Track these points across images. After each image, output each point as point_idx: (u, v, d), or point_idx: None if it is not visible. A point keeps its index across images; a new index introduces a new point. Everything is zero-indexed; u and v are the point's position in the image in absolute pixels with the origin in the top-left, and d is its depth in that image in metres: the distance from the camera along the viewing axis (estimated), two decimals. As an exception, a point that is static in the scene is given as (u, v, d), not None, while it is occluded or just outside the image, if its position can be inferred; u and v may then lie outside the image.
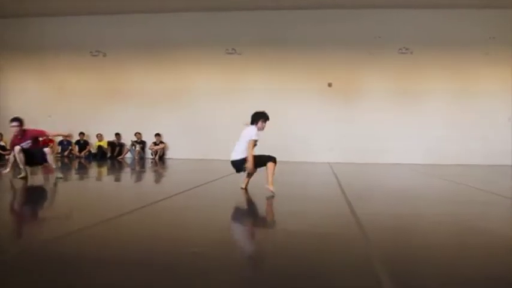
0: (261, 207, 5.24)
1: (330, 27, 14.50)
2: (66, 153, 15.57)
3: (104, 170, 11.12)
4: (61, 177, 7.86)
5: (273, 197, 5.61)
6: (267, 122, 6.47)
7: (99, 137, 15.60)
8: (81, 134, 15.67)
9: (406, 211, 5.06)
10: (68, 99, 15.93)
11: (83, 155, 15.50)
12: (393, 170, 11.77)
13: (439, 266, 2.79)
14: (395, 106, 14.41)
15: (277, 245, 3.31)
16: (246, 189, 6.24)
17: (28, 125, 15.57)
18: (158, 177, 9.85)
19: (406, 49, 14.47)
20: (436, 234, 3.86)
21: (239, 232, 3.99)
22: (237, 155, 6.16)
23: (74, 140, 15.66)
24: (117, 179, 9.14)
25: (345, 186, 7.25)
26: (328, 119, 14.60)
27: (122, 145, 15.56)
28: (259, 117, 6.40)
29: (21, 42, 16.07)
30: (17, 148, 7.72)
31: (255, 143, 6.15)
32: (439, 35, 14.22)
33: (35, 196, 6.05)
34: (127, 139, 15.56)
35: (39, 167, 8.65)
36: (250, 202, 5.48)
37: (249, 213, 4.83)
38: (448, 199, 6.35)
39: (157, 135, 15.19)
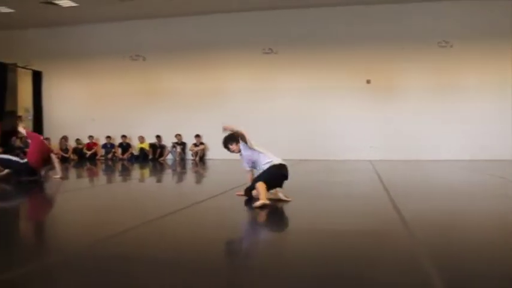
0: (302, 206, 5.21)
1: (367, 23, 14.32)
2: (109, 155, 15.97)
3: (146, 171, 11.34)
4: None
5: (314, 196, 5.57)
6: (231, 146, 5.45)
7: (141, 139, 15.91)
8: (124, 136, 16.03)
9: (452, 207, 4.94)
10: (110, 103, 16.36)
11: (125, 157, 15.84)
12: (435, 166, 11.50)
13: (491, 264, 2.71)
14: (435, 101, 14.08)
15: (320, 244, 3.29)
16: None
17: (73, 129, 16.14)
18: (199, 178, 9.97)
19: (446, 42, 14.10)
20: (485, 230, 3.75)
21: (281, 232, 3.98)
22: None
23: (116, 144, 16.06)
24: (159, 180, 9.30)
25: (387, 184, 7.13)
26: (367, 116, 14.42)
27: (163, 147, 15.83)
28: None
29: (63, 49, 16.62)
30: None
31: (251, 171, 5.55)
32: (479, 26, 13.79)
33: (78, 198, 6.23)
34: (168, 141, 15.82)
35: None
36: (291, 202, 5.46)
37: (290, 212, 4.82)
38: (494, 194, 6.15)
39: (197, 136, 15.37)
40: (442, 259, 2.79)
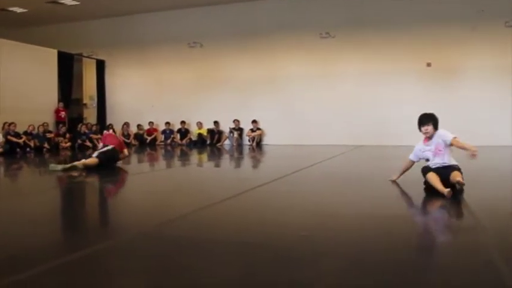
0: (351, 192, 5.16)
1: (428, 3, 13.75)
2: (168, 141, 16.39)
3: (204, 156, 11.58)
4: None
5: (369, 181, 5.49)
6: (427, 126, 5.04)
7: (199, 125, 16.22)
8: (183, 122, 16.38)
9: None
10: (169, 90, 16.77)
11: (184, 142, 16.21)
12: (502, 152, 11.01)
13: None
14: (502, 85, 13.33)
15: (377, 230, 3.27)
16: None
17: (134, 115, 16.69)
18: (256, 163, 10.07)
19: (514, 22, 13.32)
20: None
21: (336, 216, 3.96)
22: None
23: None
24: (218, 165, 9.47)
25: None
26: (428, 101, 13.86)
27: (220, 132, 16.07)
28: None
29: (124, 38, 17.14)
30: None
31: (411, 163, 5.26)
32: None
33: (140, 183, 6.47)
34: (225, 126, 16.04)
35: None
36: (345, 187, 5.43)
37: (345, 198, 4.79)
38: None
39: (254, 121, 15.48)
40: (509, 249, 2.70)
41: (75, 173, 6.78)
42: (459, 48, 13.68)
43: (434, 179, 4.52)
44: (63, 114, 15.36)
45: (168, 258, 2.59)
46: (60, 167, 7.07)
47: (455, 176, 4.40)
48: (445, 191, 4.24)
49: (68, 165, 7.12)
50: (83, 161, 7.39)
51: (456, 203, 4.10)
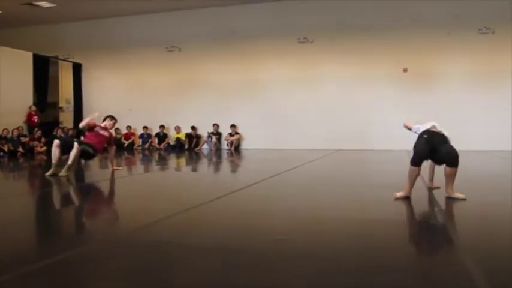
0: (330, 195, 5.20)
1: (403, 9, 13.94)
2: (146, 145, 16.26)
3: (183, 161, 11.51)
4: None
5: (347, 185, 5.54)
6: None
7: (177, 129, 16.14)
8: (162, 126, 16.28)
9: (493, 198, 4.83)
10: (147, 94, 16.64)
11: (162, 147, 16.11)
12: (475, 156, 11.21)
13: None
14: (476, 90, 13.58)
15: (351, 233, 3.30)
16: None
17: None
18: (235, 168, 10.06)
19: (487, 29, 13.62)
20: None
21: (310, 220, 3.99)
22: None
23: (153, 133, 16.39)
24: (196, 170, 9.43)
25: (424, 174, 6.99)
26: (404, 105, 14.11)
27: (198, 137, 16.01)
28: None
29: (102, 41, 16.97)
30: (55, 142, 7.25)
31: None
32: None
33: (118, 187, 6.40)
34: (204, 130, 15.99)
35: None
36: (323, 190, 5.45)
37: (323, 201, 4.83)
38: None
39: (233, 126, 15.47)
40: (484, 252, 2.75)
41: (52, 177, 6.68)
42: (435, 54, 13.91)
43: (412, 175, 4.54)
44: (35, 118, 14.98)
45: (143, 263, 2.57)
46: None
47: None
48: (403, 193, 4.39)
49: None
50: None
51: (437, 209, 4.16)
